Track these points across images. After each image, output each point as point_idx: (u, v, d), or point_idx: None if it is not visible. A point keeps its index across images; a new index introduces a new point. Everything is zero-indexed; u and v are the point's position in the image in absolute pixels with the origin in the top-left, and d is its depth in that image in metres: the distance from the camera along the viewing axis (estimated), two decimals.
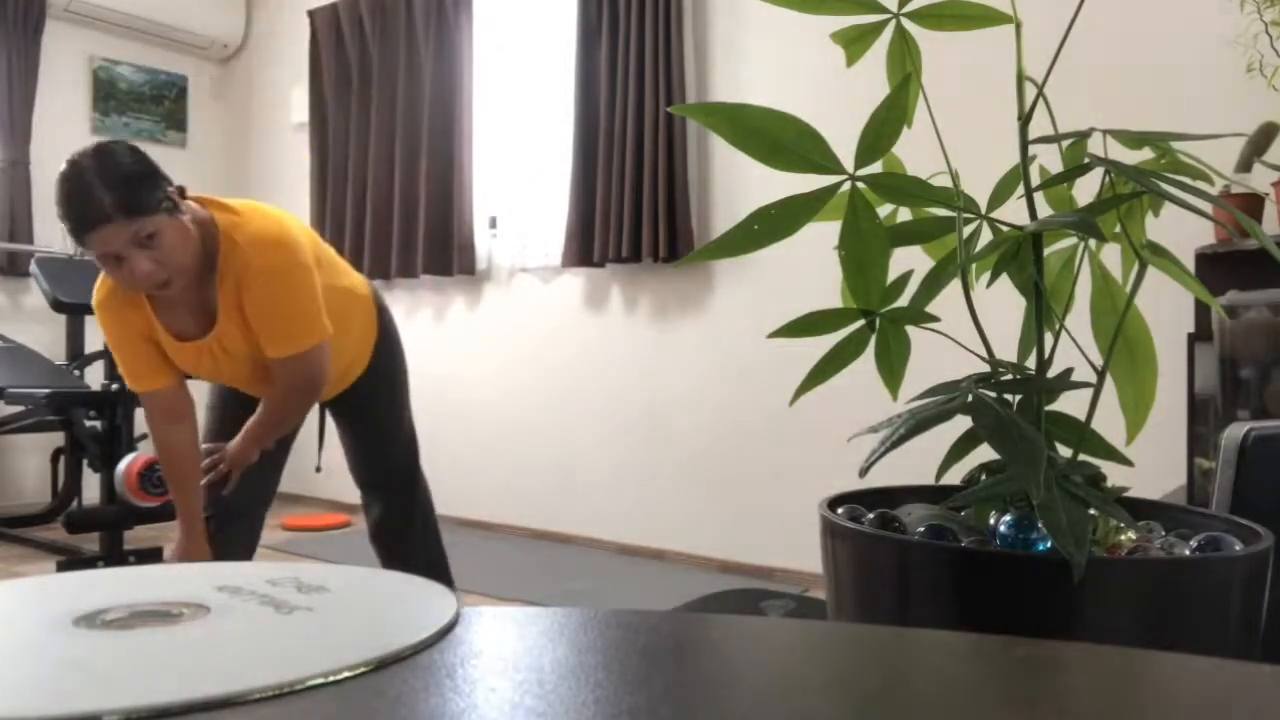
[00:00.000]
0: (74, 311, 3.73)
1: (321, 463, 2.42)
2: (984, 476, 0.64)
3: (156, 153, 5.03)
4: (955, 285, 0.65)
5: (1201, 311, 2.21)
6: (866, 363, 0.67)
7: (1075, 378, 0.61)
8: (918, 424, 0.57)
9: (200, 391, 1.98)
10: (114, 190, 1.56)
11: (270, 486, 2.13)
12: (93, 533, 3.15)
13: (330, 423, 2.24)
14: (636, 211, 3.49)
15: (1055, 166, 0.67)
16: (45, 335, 4.47)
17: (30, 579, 0.43)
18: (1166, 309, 2.05)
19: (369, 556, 2.35)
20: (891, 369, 0.67)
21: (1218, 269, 2.15)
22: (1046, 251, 0.67)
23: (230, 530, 2.04)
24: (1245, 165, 2.17)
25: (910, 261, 0.69)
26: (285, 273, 1.74)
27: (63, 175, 1.59)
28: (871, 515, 0.64)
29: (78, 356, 4.22)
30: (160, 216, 1.61)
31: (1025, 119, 0.62)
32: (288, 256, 1.75)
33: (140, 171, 1.62)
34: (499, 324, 4.10)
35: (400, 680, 0.31)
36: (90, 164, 1.57)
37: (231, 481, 1.95)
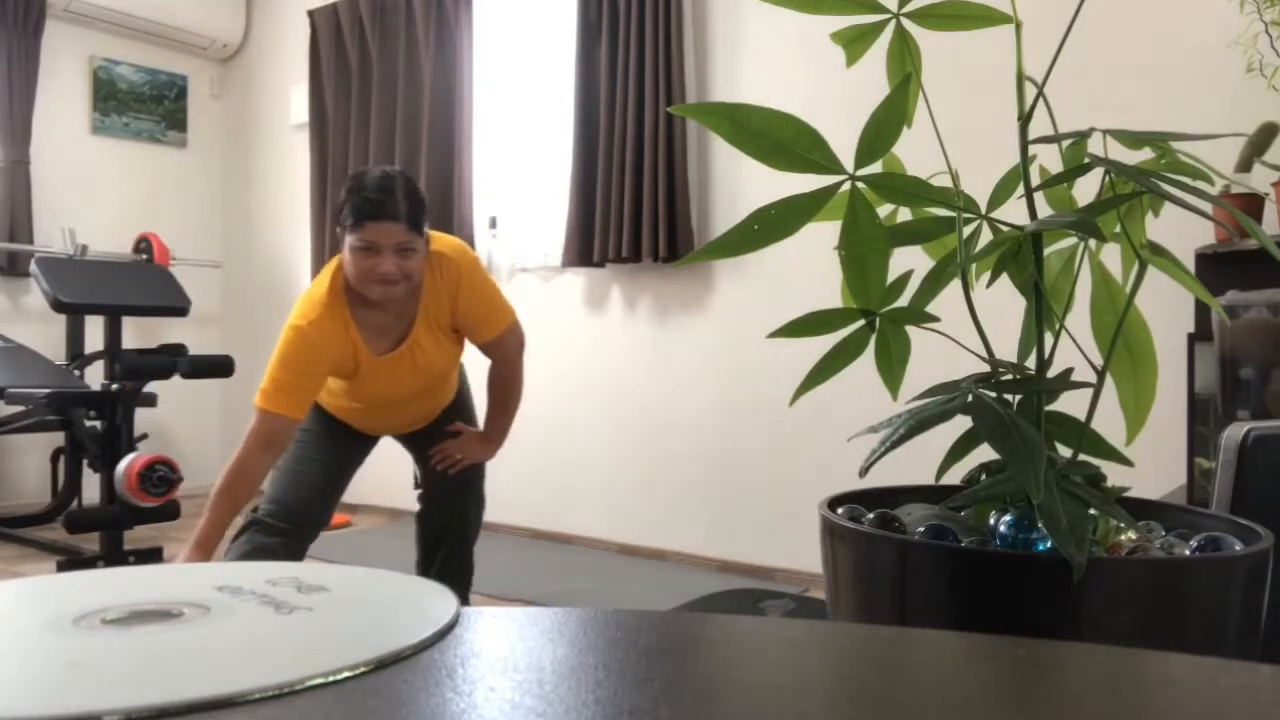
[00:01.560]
0: (74, 311, 3.73)
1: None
2: (984, 476, 0.64)
3: (156, 152, 5.06)
4: (955, 285, 0.65)
5: (1201, 311, 2.21)
6: (866, 363, 0.67)
7: (1075, 378, 0.61)
8: (918, 424, 0.57)
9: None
10: (410, 202, 1.92)
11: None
12: (93, 533, 3.15)
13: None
14: (636, 211, 3.49)
15: (1055, 166, 0.67)
16: (45, 335, 4.47)
17: (30, 579, 0.43)
18: (1166, 309, 2.05)
19: (369, 557, 2.35)
20: (891, 369, 0.67)
21: (1218, 269, 2.15)
22: (1046, 251, 0.67)
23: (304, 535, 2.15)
24: (1245, 165, 2.17)
25: (910, 261, 0.69)
26: (480, 268, 2.12)
27: (372, 173, 1.95)
28: (871, 515, 0.64)
29: (78, 356, 4.23)
30: (421, 240, 1.97)
31: (1025, 119, 0.62)
32: (474, 255, 2.14)
33: (425, 203, 1.99)
34: None
35: (400, 680, 0.31)
36: (400, 177, 1.95)
37: (455, 468, 2.27)
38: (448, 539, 2.34)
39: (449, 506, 2.33)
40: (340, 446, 2.21)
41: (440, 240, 2.08)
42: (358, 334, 2.02)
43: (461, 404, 2.44)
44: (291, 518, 2.07)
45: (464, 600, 2.10)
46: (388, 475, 4.23)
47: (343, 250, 1.98)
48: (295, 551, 2.08)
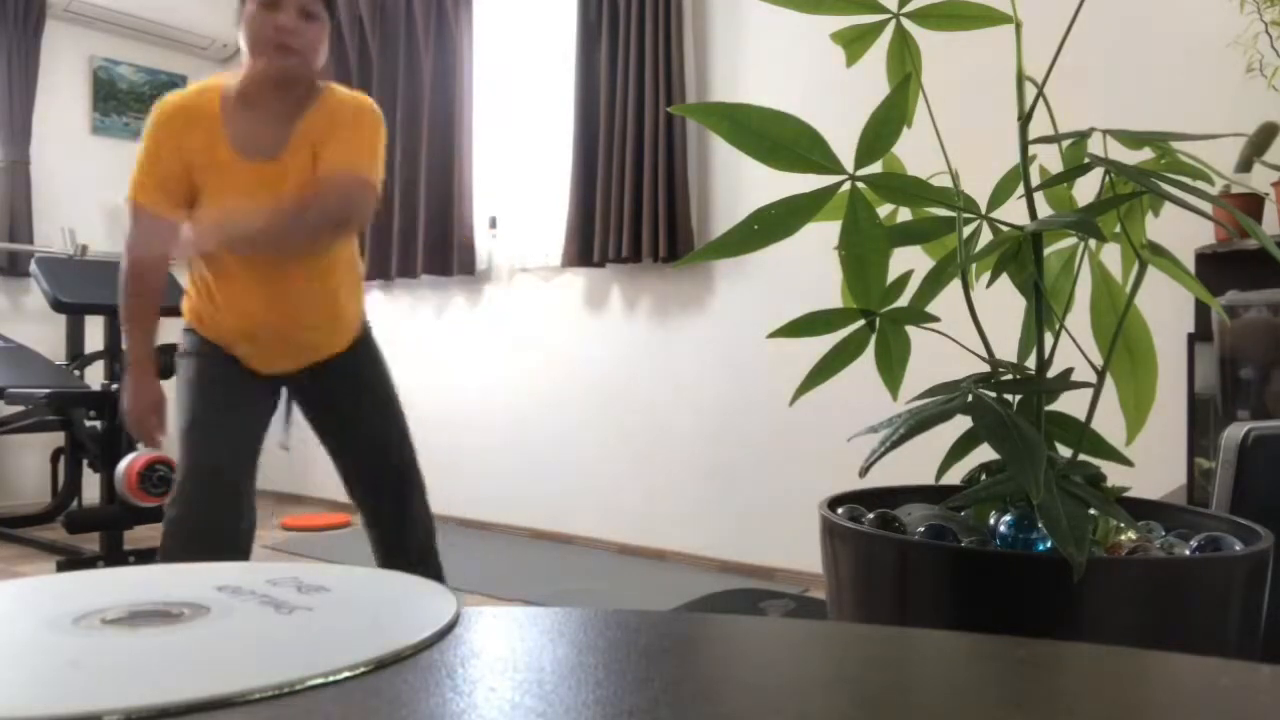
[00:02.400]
0: (74, 311, 3.73)
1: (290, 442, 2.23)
2: (984, 476, 0.64)
3: None
4: (955, 285, 0.65)
5: (1201, 311, 2.21)
6: (866, 363, 0.67)
7: (1075, 378, 0.61)
8: (918, 424, 0.57)
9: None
10: None
11: (255, 443, 1.94)
12: (93, 533, 3.15)
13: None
14: (636, 211, 3.49)
15: (1055, 166, 0.67)
16: (45, 335, 4.47)
17: (30, 579, 0.43)
18: (1166, 309, 2.04)
19: (369, 556, 2.35)
20: (891, 369, 0.67)
21: (1218, 269, 2.15)
22: (1046, 251, 0.67)
23: (211, 492, 1.85)
24: (1245, 165, 2.17)
25: (910, 261, 0.69)
26: (376, 121, 1.92)
27: None
28: (871, 515, 0.64)
29: (78, 356, 4.22)
30: (326, 18, 1.86)
31: (1025, 119, 0.62)
32: (378, 114, 1.94)
33: None
34: (499, 324, 4.10)
35: (400, 680, 0.31)
36: None
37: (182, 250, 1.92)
38: (422, 559, 2.10)
39: (414, 529, 2.08)
40: (233, 397, 1.91)
41: (361, 95, 1.97)
42: (222, 128, 1.84)
43: (376, 363, 2.06)
44: (209, 521, 1.80)
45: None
46: None
47: (242, 24, 1.83)
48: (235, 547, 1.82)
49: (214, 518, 1.81)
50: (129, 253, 1.87)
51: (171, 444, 1.94)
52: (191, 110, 1.87)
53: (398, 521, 2.07)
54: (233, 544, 1.82)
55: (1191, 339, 2.02)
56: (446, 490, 4.19)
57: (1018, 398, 0.63)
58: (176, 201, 1.86)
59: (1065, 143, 0.64)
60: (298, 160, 1.85)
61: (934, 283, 0.62)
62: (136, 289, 1.90)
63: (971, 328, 0.67)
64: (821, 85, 3.13)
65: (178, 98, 1.90)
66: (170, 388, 1.96)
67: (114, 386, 3.18)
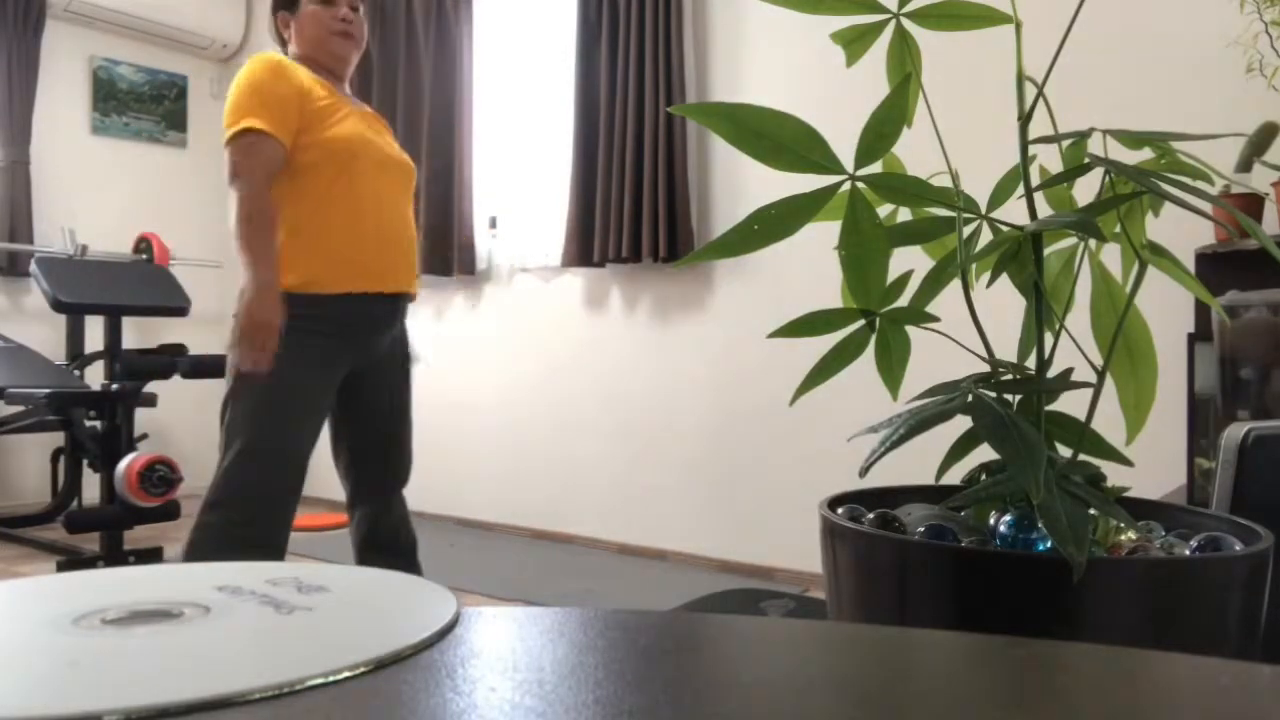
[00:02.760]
0: (74, 311, 3.73)
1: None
2: (984, 476, 0.64)
3: (156, 152, 5.06)
4: (955, 285, 0.65)
5: (1201, 311, 2.21)
6: (866, 363, 0.67)
7: (1075, 378, 0.61)
8: (918, 424, 0.57)
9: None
10: None
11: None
12: (93, 533, 3.15)
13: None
14: (636, 211, 3.49)
15: (1055, 166, 0.67)
16: (45, 335, 4.47)
17: (30, 579, 0.43)
18: (1166, 309, 2.04)
19: None
20: (891, 369, 0.67)
21: (1218, 269, 2.15)
22: (1046, 251, 0.67)
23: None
24: (1245, 165, 2.17)
25: (910, 261, 0.69)
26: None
27: None
28: (871, 515, 0.64)
29: (78, 356, 4.23)
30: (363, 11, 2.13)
31: (1025, 119, 0.62)
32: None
33: None
34: (499, 324, 4.10)
35: (400, 680, 0.31)
36: None
37: None
38: (409, 556, 2.17)
39: (408, 528, 2.15)
40: (319, 395, 1.97)
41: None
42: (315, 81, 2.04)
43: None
44: (279, 539, 1.88)
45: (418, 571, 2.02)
46: None
47: (292, 27, 2.06)
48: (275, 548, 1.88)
49: (283, 534, 1.89)
50: (252, 181, 1.90)
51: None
52: (291, 64, 2.02)
53: (394, 515, 2.11)
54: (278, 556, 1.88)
55: (1191, 339, 2.02)
56: (447, 490, 4.19)
57: (1018, 398, 0.63)
58: (290, 129, 1.94)
59: (1065, 143, 0.64)
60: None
61: (934, 283, 0.62)
62: (264, 216, 1.92)
63: (971, 328, 0.67)
64: (821, 85, 3.13)
65: (277, 56, 2.03)
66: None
67: (114, 387, 3.18)
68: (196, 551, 1.84)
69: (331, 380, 1.96)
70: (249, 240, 1.88)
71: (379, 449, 2.10)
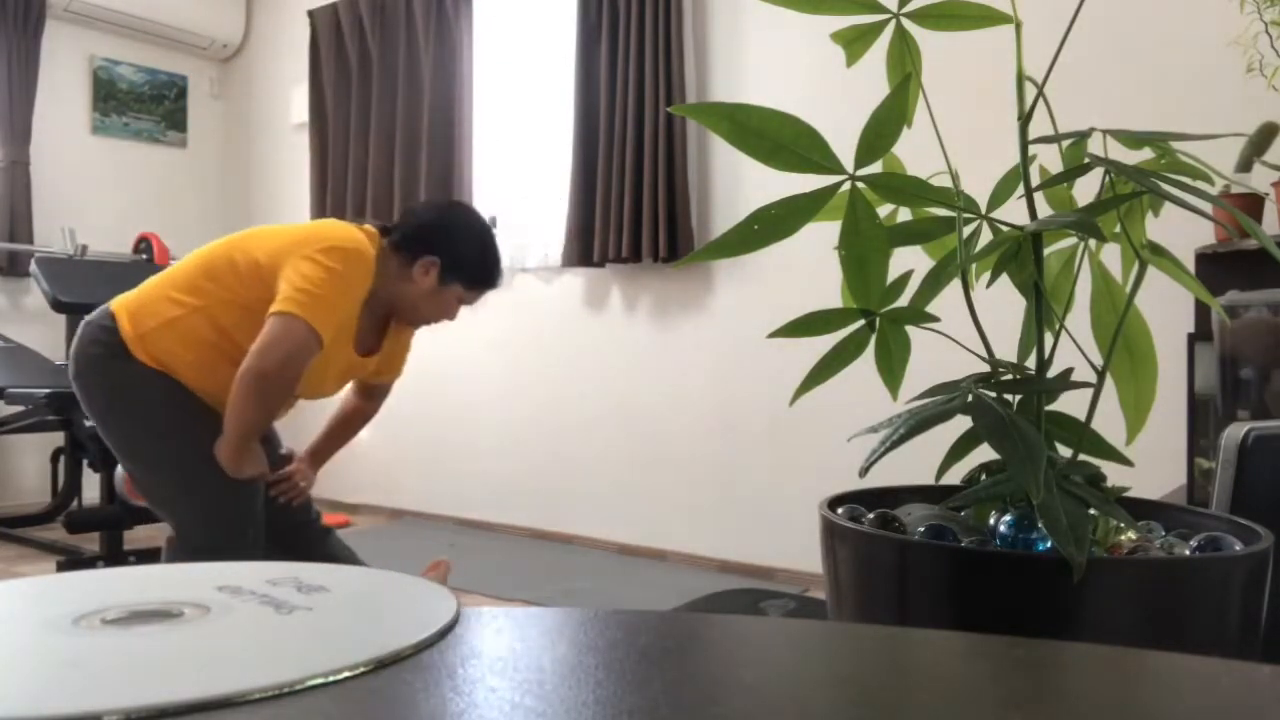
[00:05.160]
0: (74, 311, 3.72)
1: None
2: (984, 476, 0.64)
3: (156, 153, 5.06)
4: (955, 285, 0.65)
5: (1201, 311, 2.21)
6: (866, 363, 0.67)
7: (1075, 378, 0.61)
8: (918, 424, 0.57)
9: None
10: None
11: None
12: (93, 533, 3.15)
13: None
14: (636, 211, 3.49)
15: (1055, 166, 0.67)
16: (45, 335, 4.47)
17: (30, 579, 0.43)
18: (1166, 309, 2.04)
19: (369, 557, 2.35)
20: (891, 369, 0.67)
21: (1218, 269, 2.15)
22: (1046, 251, 0.67)
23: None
24: (1245, 165, 2.17)
25: (910, 261, 0.69)
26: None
27: (494, 236, 2.16)
28: (871, 515, 0.64)
29: None
30: None
31: (1025, 119, 0.62)
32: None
33: None
34: (499, 324, 4.10)
35: (400, 680, 0.31)
36: None
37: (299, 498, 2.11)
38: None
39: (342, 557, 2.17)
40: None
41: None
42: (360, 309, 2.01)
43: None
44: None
45: None
46: (386, 474, 4.23)
47: (431, 280, 1.99)
48: None
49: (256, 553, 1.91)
50: (290, 370, 1.77)
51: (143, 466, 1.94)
52: (367, 277, 1.93)
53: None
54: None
55: (1191, 339, 2.02)
56: (447, 490, 4.19)
57: (1018, 398, 0.63)
58: (329, 338, 1.85)
59: (1065, 143, 0.64)
60: (371, 363, 2.11)
61: (934, 283, 0.62)
62: (278, 402, 1.84)
63: (971, 328, 0.67)
64: (821, 85, 3.13)
65: (370, 254, 1.93)
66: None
67: None
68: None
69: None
70: (256, 423, 1.83)
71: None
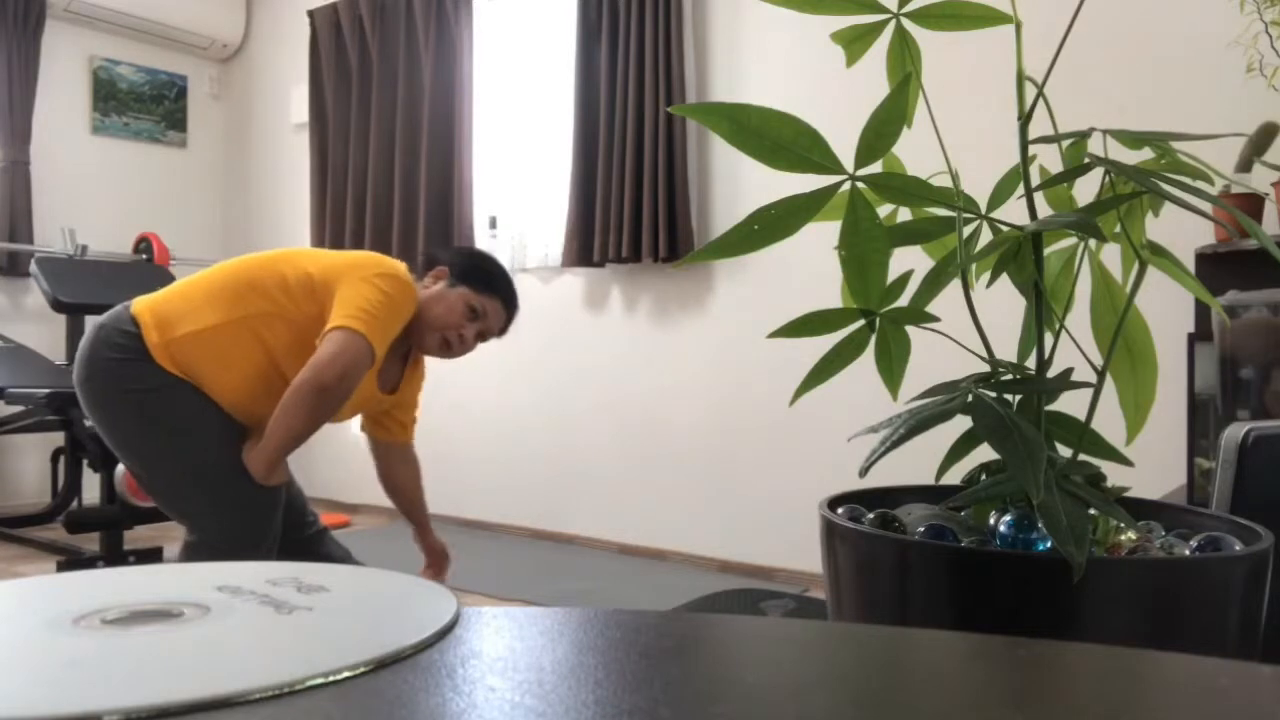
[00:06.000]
0: (74, 311, 3.73)
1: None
2: (984, 476, 0.64)
3: (156, 153, 5.06)
4: (955, 285, 0.65)
5: (1201, 311, 2.21)
6: (866, 363, 0.67)
7: (1075, 378, 0.61)
8: (918, 424, 0.57)
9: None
10: None
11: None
12: (93, 533, 3.15)
13: None
14: (636, 211, 3.49)
15: (1055, 166, 0.67)
16: (45, 335, 4.47)
17: (30, 579, 0.43)
18: (1166, 309, 2.05)
19: (369, 556, 2.35)
20: (891, 369, 0.67)
21: (1218, 269, 2.15)
22: (1046, 251, 0.67)
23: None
24: (1245, 165, 2.17)
25: (910, 261, 0.69)
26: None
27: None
28: (871, 515, 0.64)
29: None
30: None
31: (1025, 119, 0.62)
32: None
33: None
34: None
35: (400, 680, 0.31)
36: None
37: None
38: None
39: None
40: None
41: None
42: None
43: None
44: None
45: None
46: None
47: (439, 288, 2.02)
48: None
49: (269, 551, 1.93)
50: (346, 384, 1.79)
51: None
52: (413, 307, 2.00)
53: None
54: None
55: (1191, 339, 2.02)
56: (447, 490, 4.19)
57: (1018, 398, 0.63)
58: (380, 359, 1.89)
59: (1065, 143, 0.64)
60: (386, 401, 2.14)
61: (934, 283, 0.62)
62: (328, 416, 1.85)
63: (971, 328, 0.67)
64: (821, 85, 3.13)
65: (413, 284, 1.99)
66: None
67: None
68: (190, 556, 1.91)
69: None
70: (304, 427, 1.82)
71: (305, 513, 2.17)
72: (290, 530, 2.07)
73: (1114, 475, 0.64)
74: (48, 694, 0.29)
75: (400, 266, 1.96)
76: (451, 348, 2.04)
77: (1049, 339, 0.64)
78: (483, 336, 2.08)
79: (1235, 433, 0.78)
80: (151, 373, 1.84)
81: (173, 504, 1.93)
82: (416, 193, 4.21)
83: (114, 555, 3.11)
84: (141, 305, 1.90)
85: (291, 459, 1.94)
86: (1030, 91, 0.63)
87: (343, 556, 2.17)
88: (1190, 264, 2.22)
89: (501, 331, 2.13)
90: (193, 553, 1.91)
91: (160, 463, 1.89)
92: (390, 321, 1.86)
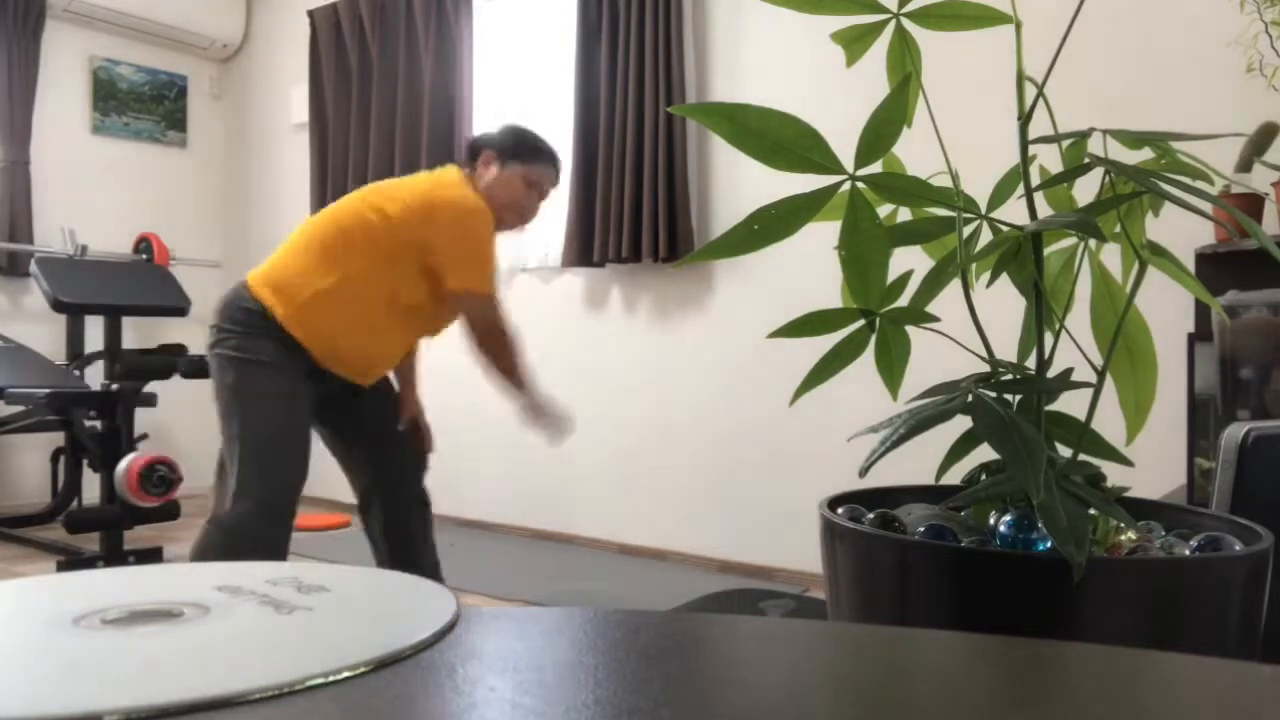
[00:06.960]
0: (74, 311, 3.73)
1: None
2: (984, 476, 0.64)
3: (156, 153, 5.06)
4: (955, 285, 0.65)
5: (1201, 311, 2.21)
6: (866, 363, 0.67)
7: (1075, 378, 0.61)
8: (918, 424, 0.57)
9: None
10: None
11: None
12: (93, 533, 3.15)
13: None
14: (636, 211, 3.49)
15: (1055, 166, 0.67)
16: (45, 335, 4.47)
17: (30, 579, 0.43)
18: (1166, 309, 2.05)
19: (369, 557, 2.35)
20: (891, 369, 0.67)
21: (1218, 269, 2.15)
22: (1046, 251, 0.67)
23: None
24: (1245, 165, 2.17)
25: (910, 261, 0.69)
26: None
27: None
28: (871, 515, 0.64)
29: (78, 356, 4.23)
30: None
31: (1025, 119, 0.62)
32: None
33: None
34: None
35: (400, 680, 0.31)
36: None
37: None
38: (425, 548, 2.34)
39: (420, 508, 2.33)
40: (303, 410, 2.12)
41: None
42: None
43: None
44: (278, 518, 2.02)
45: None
46: None
47: (492, 171, 2.20)
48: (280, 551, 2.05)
49: (284, 537, 2.05)
50: (497, 324, 2.17)
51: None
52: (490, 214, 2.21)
53: (417, 543, 2.32)
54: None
55: (1191, 339, 2.02)
56: (447, 490, 4.19)
57: (1018, 398, 0.63)
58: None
59: (1065, 143, 0.64)
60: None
61: (934, 283, 0.62)
62: (509, 343, 2.20)
63: (971, 328, 0.67)
64: (821, 85, 3.13)
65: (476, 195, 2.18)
66: (202, 388, 1.97)
67: (114, 387, 3.18)
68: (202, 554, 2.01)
69: (306, 416, 2.13)
70: (519, 369, 2.21)
71: (393, 493, 2.31)
72: (406, 537, 2.26)
73: (1114, 475, 0.64)
74: (48, 694, 0.29)
75: (463, 185, 2.13)
76: (525, 220, 2.29)
77: (1049, 339, 0.64)
78: (543, 198, 2.31)
79: (1235, 433, 0.78)
80: (269, 340, 2.05)
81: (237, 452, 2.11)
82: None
83: (114, 555, 3.11)
84: (255, 279, 2.09)
85: None
86: (1030, 91, 0.63)
87: (432, 568, 2.34)
88: (1190, 264, 2.22)
89: (554, 185, 2.34)
90: (230, 513, 2.02)
91: (244, 412, 2.10)
92: (491, 252, 2.13)
